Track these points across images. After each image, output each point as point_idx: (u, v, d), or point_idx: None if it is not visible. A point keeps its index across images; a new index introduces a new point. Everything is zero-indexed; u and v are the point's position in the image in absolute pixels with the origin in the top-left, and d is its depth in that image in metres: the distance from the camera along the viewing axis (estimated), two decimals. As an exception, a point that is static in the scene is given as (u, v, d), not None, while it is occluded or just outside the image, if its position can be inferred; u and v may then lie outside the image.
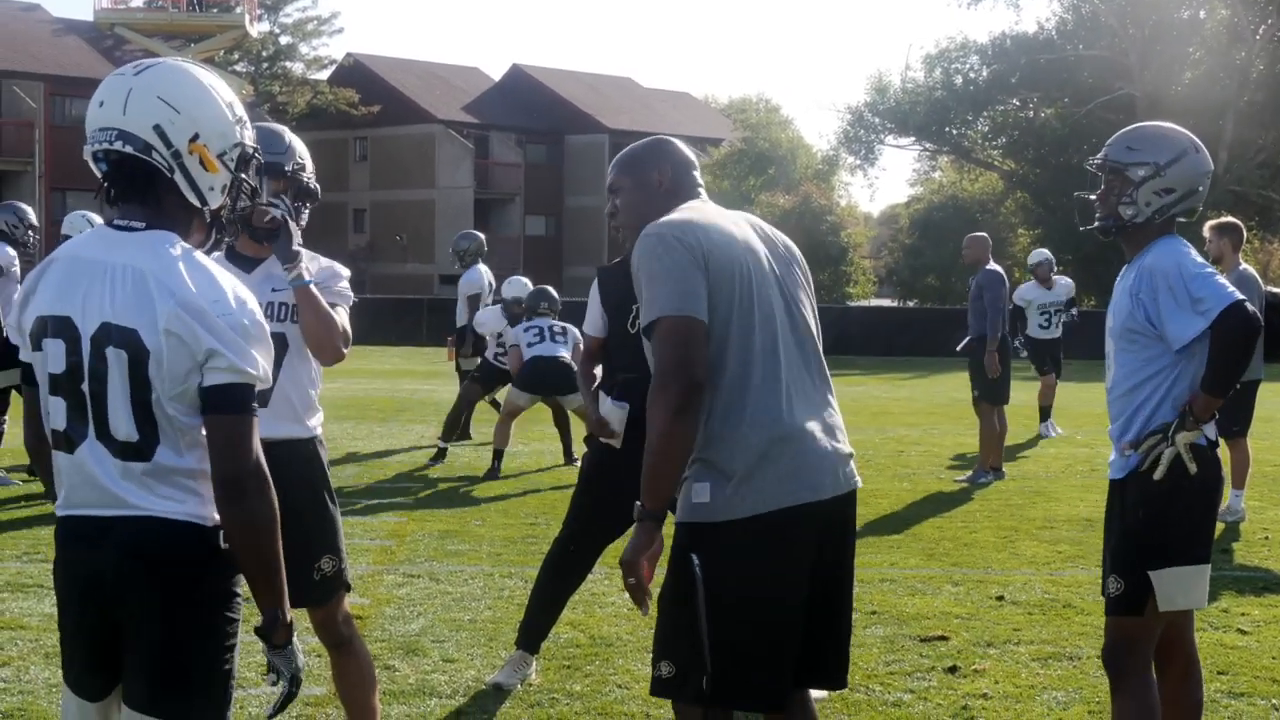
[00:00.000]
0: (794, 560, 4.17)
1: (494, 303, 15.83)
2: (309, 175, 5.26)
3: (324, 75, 72.62)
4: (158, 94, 3.50)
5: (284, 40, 71.56)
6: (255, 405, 3.45)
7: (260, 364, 3.44)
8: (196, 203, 3.54)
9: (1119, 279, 5.02)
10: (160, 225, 3.50)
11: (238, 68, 64.31)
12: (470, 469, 14.31)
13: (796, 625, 4.18)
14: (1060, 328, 18.17)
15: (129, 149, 3.46)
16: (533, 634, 6.87)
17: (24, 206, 13.55)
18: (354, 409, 20.19)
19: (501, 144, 73.27)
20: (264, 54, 69.89)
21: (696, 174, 4.66)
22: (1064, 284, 18.42)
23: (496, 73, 78.36)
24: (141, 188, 3.51)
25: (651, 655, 4.34)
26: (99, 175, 3.53)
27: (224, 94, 3.62)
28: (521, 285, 15.17)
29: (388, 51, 79.69)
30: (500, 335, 14.79)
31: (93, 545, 3.46)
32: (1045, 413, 18.44)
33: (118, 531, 3.43)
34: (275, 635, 3.49)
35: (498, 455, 13.97)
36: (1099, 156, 5.02)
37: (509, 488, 13.15)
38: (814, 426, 4.24)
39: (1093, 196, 5.07)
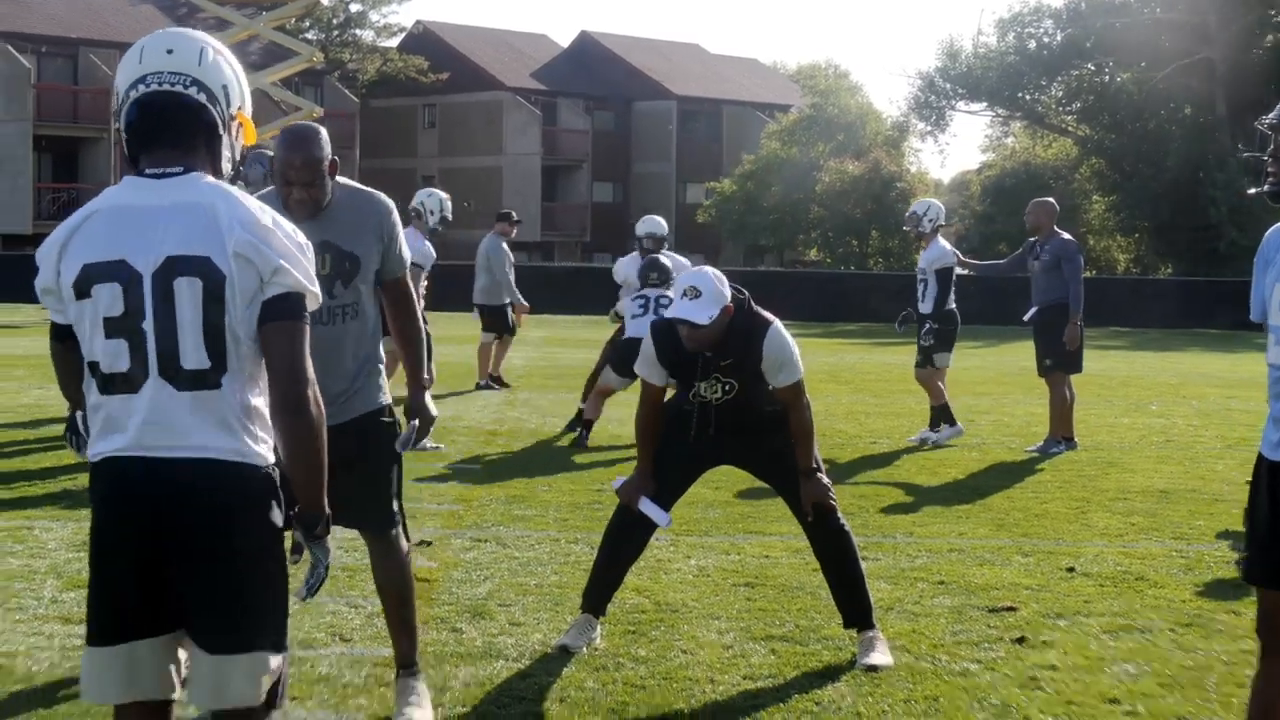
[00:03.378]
0: None
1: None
2: None
3: (393, 43, 72.81)
4: (226, 58, 3.78)
5: (354, 8, 71.74)
6: (308, 316, 3.68)
7: (315, 282, 3.70)
8: (227, 164, 3.77)
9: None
10: (190, 170, 3.70)
11: (308, 35, 64.54)
12: (536, 435, 14.34)
13: None
14: (930, 301, 14.30)
15: (201, 97, 3.69)
16: (597, 598, 6.89)
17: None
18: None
19: (569, 111, 73.27)
20: (334, 21, 70.14)
21: None
22: (937, 249, 14.39)
23: (565, 39, 78.57)
24: (189, 135, 3.70)
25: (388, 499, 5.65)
26: (131, 118, 3.68)
27: None
28: (654, 223, 14.83)
29: (457, 19, 79.88)
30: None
31: (153, 486, 3.57)
32: (935, 414, 14.56)
33: (180, 472, 3.56)
34: (320, 527, 3.74)
35: (587, 425, 13.71)
36: (1272, 117, 4.71)
37: (576, 455, 13.17)
38: None
39: (1255, 156, 4.77)
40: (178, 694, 3.76)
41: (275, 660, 3.66)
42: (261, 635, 3.63)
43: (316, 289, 3.70)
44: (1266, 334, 4.70)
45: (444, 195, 14.75)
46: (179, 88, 3.66)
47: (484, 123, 70.65)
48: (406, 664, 5.83)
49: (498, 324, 18.65)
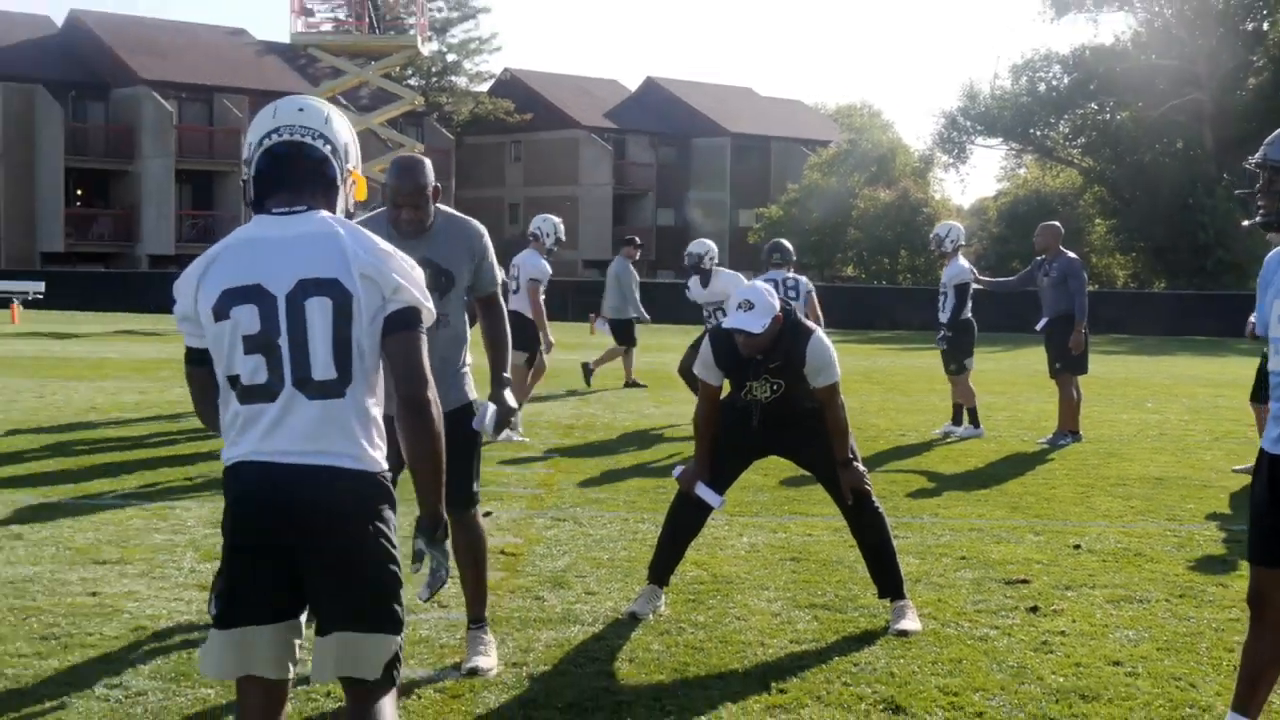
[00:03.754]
0: None
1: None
2: None
3: (484, 88, 73.05)
4: (348, 124, 3.77)
5: (450, 58, 72.03)
6: (424, 330, 3.60)
7: (429, 299, 3.64)
8: (340, 213, 3.73)
9: None
10: (312, 209, 3.67)
11: (410, 82, 64.85)
12: (608, 429, 14.33)
13: None
14: (948, 312, 14.11)
15: (326, 150, 3.66)
16: (662, 571, 6.89)
17: (557, 220, 14.35)
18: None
19: (637, 146, 73.29)
20: (433, 70, 70.43)
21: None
22: (956, 267, 14.17)
23: (633, 84, 78.37)
24: (312, 183, 3.67)
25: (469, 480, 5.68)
26: (261, 165, 3.66)
27: None
28: (696, 244, 14.60)
29: (539, 67, 79.94)
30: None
31: (281, 491, 3.51)
32: (959, 412, 14.47)
33: (305, 477, 3.50)
34: (439, 531, 3.66)
35: None
36: (1257, 156, 4.71)
37: (643, 445, 13.16)
38: None
39: (1247, 193, 4.78)
40: (291, 674, 3.68)
41: (395, 641, 3.59)
42: (383, 618, 3.56)
43: (430, 305, 3.65)
44: (1269, 345, 4.67)
45: (558, 220, 14.64)
46: (307, 139, 3.65)
47: (563, 157, 70.77)
48: (477, 619, 5.94)
49: (623, 335, 18.72)
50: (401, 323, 3.57)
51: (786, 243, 13.45)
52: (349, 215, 3.81)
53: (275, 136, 3.65)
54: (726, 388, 6.80)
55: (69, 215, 56.60)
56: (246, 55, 62.17)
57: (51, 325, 32.99)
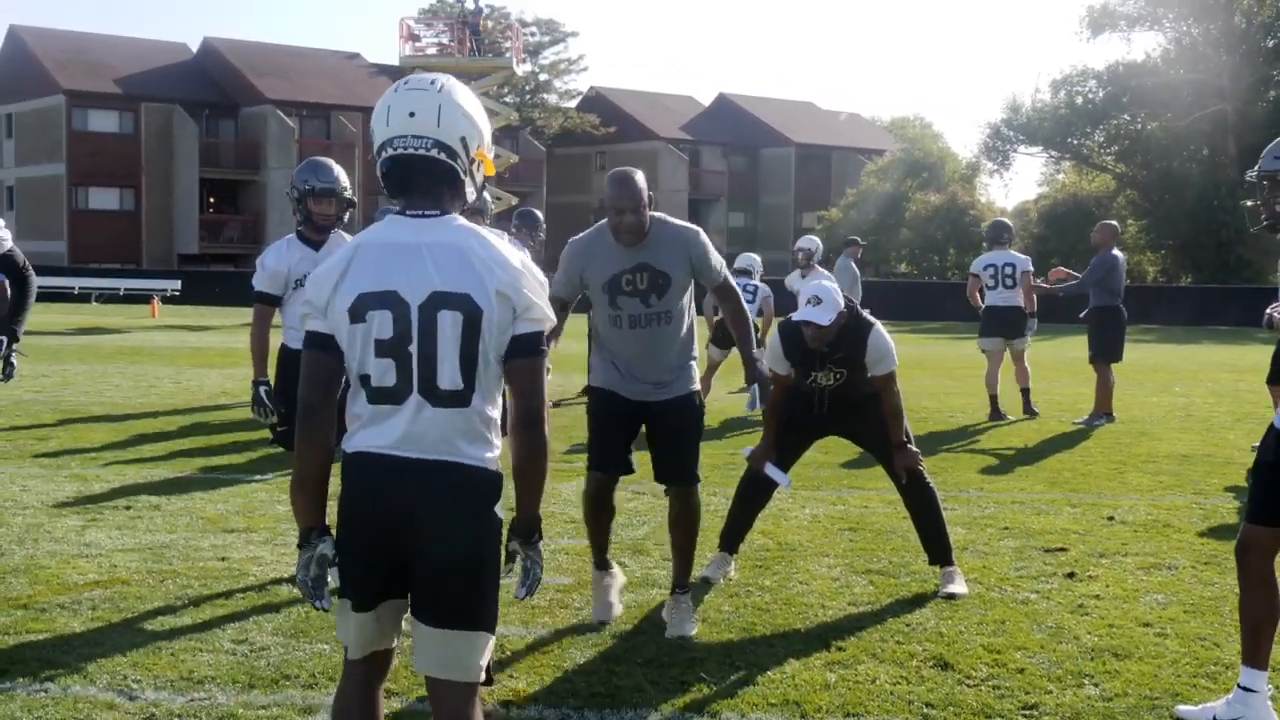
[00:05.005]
0: None
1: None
2: (349, 192, 6.66)
3: (573, 104, 73.21)
4: (462, 110, 3.36)
5: (542, 77, 72.27)
6: (546, 347, 3.36)
7: (552, 312, 3.38)
8: (471, 195, 3.42)
9: None
10: (445, 213, 3.36)
11: (506, 99, 65.07)
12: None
13: None
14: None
15: (442, 156, 3.31)
16: (732, 539, 6.88)
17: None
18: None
19: (710, 156, 73.19)
20: (527, 88, 70.69)
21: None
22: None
23: (707, 99, 78.22)
24: (437, 185, 3.34)
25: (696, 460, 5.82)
26: (384, 170, 3.36)
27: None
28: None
29: (622, 84, 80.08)
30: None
31: (406, 484, 3.26)
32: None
33: (424, 472, 3.25)
34: (535, 534, 3.42)
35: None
36: (1255, 170, 4.75)
37: (714, 425, 13.12)
38: None
39: (1251, 203, 4.80)
40: (391, 643, 3.44)
41: (491, 640, 3.35)
42: (484, 616, 3.31)
43: (553, 318, 3.37)
44: None
45: (757, 258, 14.82)
46: (422, 150, 3.29)
47: (643, 166, 69.38)
48: (682, 585, 5.90)
49: None
50: (529, 346, 3.30)
51: (1005, 221, 13.52)
52: (480, 189, 3.48)
53: (390, 149, 3.32)
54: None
55: (202, 221, 57.43)
56: (360, 76, 62.69)
57: (187, 319, 33.47)
